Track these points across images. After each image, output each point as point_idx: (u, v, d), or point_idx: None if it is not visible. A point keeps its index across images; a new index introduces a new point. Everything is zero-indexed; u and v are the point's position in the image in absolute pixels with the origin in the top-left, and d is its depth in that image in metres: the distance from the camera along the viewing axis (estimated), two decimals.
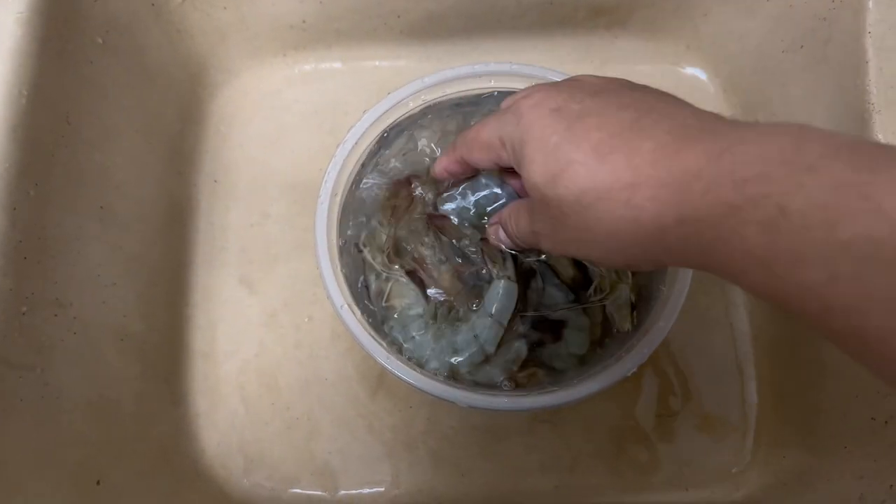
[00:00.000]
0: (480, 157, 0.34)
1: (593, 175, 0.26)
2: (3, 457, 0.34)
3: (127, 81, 0.47)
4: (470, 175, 0.38)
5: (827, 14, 0.45)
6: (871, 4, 0.41)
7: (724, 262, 0.24)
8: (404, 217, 0.42)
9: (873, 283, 0.19)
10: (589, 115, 0.28)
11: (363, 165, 0.43)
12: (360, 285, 0.43)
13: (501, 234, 0.36)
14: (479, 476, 0.47)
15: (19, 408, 0.36)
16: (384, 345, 0.39)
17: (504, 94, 0.44)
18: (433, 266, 0.41)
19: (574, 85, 0.31)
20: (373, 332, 0.39)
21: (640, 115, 0.27)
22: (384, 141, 0.44)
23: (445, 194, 0.40)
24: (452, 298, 0.41)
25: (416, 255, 0.42)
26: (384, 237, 0.43)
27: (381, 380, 0.48)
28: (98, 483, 0.39)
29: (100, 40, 0.44)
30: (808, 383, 0.45)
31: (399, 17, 0.52)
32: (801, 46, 0.47)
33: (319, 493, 0.46)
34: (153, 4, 0.48)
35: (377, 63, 0.55)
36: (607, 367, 0.37)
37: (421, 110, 0.44)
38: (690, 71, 0.54)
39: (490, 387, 0.40)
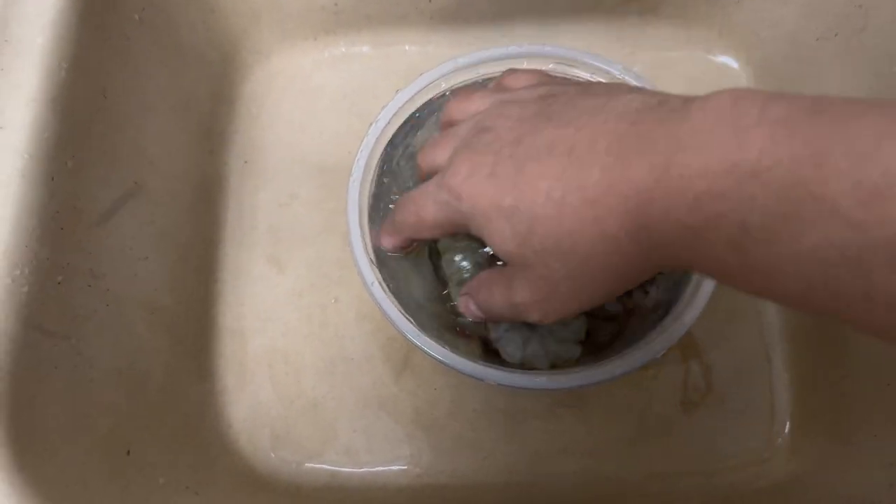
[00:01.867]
0: (429, 235, 0.35)
1: (560, 221, 0.26)
2: (40, 422, 0.35)
3: (161, 59, 0.47)
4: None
5: (862, 1, 0.44)
6: None
7: (711, 273, 0.24)
8: None
9: (846, 286, 0.19)
10: (525, 166, 0.27)
11: (394, 146, 0.44)
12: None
13: (472, 306, 0.35)
14: (501, 458, 0.47)
15: (53, 375, 0.37)
16: (414, 322, 0.39)
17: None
18: None
19: (492, 137, 0.30)
20: (402, 309, 0.39)
21: (573, 144, 0.26)
22: (417, 122, 0.44)
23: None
24: None
25: None
26: None
27: (406, 361, 0.49)
28: (128, 453, 0.40)
29: (137, 17, 0.44)
30: (836, 371, 0.44)
31: (430, 1, 0.52)
32: (836, 34, 0.47)
33: (343, 469, 0.46)
34: None
35: (407, 48, 0.55)
36: (638, 349, 0.37)
37: (452, 93, 0.44)
38: (722, 59, 0.53)
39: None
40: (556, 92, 0.31)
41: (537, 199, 0.26)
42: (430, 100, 0.43)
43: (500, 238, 0.28)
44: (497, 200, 0.28)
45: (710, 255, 0.22)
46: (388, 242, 0.38)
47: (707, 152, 0.21)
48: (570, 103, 0.29)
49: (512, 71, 0.37)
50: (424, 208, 0.32)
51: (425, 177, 0.35)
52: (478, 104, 0.34)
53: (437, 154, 0.34)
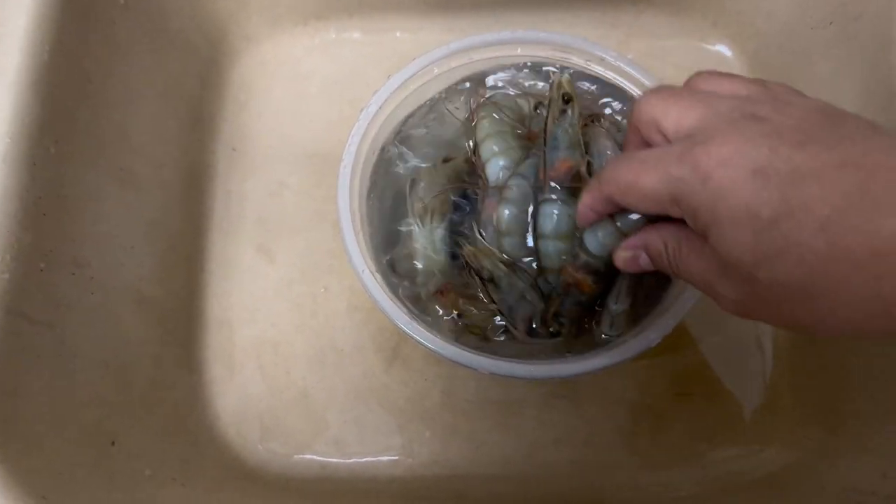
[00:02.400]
0: (636, 204, 0.28)
1: (826, 262, 0.22)
2: (22, 412, 0.34)
3: (148, 44, 0.46)
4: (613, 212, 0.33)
5: None
6: None
7: None
8: None
9: None
10: (804, 181, 0.22)
11: (387, 132, 0.43)
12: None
13: (643, 260, 0.31)
14: (494, 449, 0.46)
15: (37, 364, 0.36)
16: (405, 310, 0.38)
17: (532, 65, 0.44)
18: None
19: (769, 128, 0.24)
20: (393, 297, 0.38)
21: (865, 177, 0.22)
22: (408, 107, 0.43)
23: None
24: None
25: None
26: None
27: (396, 351, 0.48)
28: (113, 444, 0.39)
29: (122, 1, 0.43)
30: (830, 362, 0.44)
31: None
32: (831, 23, 0.46)
33: (333, 460, 0.46)
34: None
35: (398, 34, 0.54)
36: (634, 336, 0.37)
37: (446, 77, 0.43)
38: (716, 48, 0.53)
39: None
40: (828, 110, 0.26)
41: (807, 224, 0.22)
42: (423, 85, 0.43)
43: (733, 246, 0.24)
44: (754, 206, 0.23)
45: None
46: (585, 197, 0.32)
47: None
48: (853, 121, 0.25)
49: (714, 74, 0.29)
50: (646, 173, 0.27)
51: (641, 133, 0.30)
52: (737, 86, 0.28)
53: (681, 113, 0.27)
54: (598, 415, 0.47)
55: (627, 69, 0.41)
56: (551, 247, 0.38)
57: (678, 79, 0.30)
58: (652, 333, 0.37)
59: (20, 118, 0.36)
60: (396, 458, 0.46)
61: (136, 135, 0.45)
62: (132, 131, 0.45)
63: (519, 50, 0.43)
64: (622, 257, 0.32)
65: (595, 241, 0.35)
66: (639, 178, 0.27)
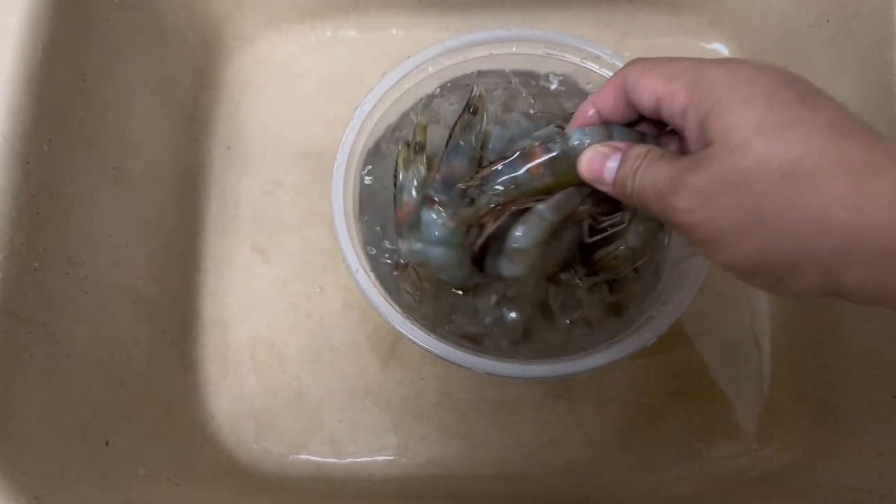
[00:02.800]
0: (648, 87, 0.28)
1: (824, 144, 0.22)
2: (15, 412, 0.34)
3: (143, 43, 0.46)
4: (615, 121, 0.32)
5: None
6: None
7: None
8: None
9: None
10: (817, 96, 0.24)
11: (382, 130, 0.43)
12: None
13: (612, 163, 0.29)
14: (491, 449, 0.46)
15: (30, 363, 0.36)
16: (398, 309, 0.38)
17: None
18: None
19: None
20: (387, 297, 0.38)
21: (848, 115, 0.23)
22: (402, 106, 0.43)
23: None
24: None
25: None
26: None
27: (392, 351, 0.48)
28: (107, 443, 0.39)
29: None
30: (826, 363, 0.44)
31: None
32: (827, 20, 0.46)
33: (328, 460, 0.46)
34: None
35: (394, 32, 0.54)
36: (627, 336, 0.37)
37: (440, 75, 0.43)
38: (712, 46, 0.53)
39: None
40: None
41: (819, 113, 0.23)
42: (419, 82, 0.43)
43: (744, 110, 0.24)
44: (776, 88, 0.24)
45: None
46: (590, 97, 0.32)
47: None
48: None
49: None
50: (672, 60, 0.28)
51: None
52: None
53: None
54: (594, 414, 0.46)
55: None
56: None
57: None
58: (647, 332, 0.37)
59: (13, 116, 0.36)
60: (392, 457, 0.46)
61: (131, 133, 0.45)
62: (126, 130, 0.44)
63: (514, 48, 0.42)
64: (590, 156, 0.31)
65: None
66: (669, 61, 0.27)
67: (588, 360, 0.36)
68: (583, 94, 0.43)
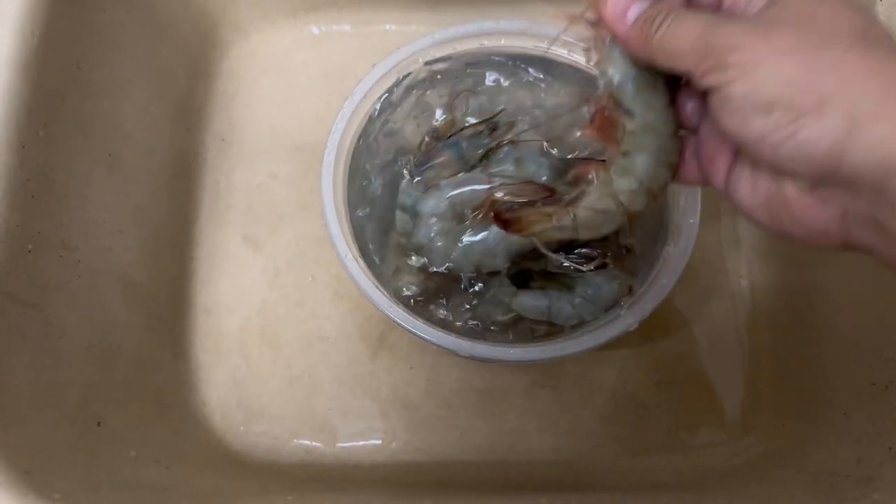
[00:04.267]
0: None
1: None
2: (6, 390, 0.35)
3: (138, 33, 0.47)
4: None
5: None
6: None
7: None
8: None
9: None
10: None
11: (371, 120, 0.44)
12: None
13: (636, 9, 0.27)
14: (477, 436, 0.47)
15: (22, 344, 0.36)
16: (387, 295, 0.39)
17: (517, 57, 0.44)
18: None
19: None
20: (376, 283, 0.39)
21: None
22: (392, 97, 0.44)
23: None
24: None
25: None
26: None
27: (382, 340, 0.49)
28: (99, 424, 0.39)
29: None
30: (807, 351, 0.45)
31: None
32: None
33: (318, 445, 0.46)
34: None
35: (387, 27, 0.55)
36: (611, 321, 0.37)
37: (430, 67, 0.44)
38: None
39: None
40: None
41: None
42: (408, 75, 0.43)
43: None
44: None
45: None
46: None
47: None
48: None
49: None
50: None
51: None
52: None
53: None
54: (580, 403, 0.47)
55: None
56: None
57: None
58: (629, 318, 0.37)
59: (9, 101, 0.36)
60: (380, 444, 0.46)
61: (125, 122, 0.46)
62: (121, 118, 0.45)
63: (503, 41, 0.43)
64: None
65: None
66: None
67: (570, 343, 0.37)
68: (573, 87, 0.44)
